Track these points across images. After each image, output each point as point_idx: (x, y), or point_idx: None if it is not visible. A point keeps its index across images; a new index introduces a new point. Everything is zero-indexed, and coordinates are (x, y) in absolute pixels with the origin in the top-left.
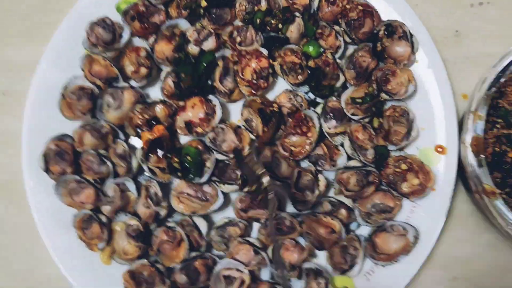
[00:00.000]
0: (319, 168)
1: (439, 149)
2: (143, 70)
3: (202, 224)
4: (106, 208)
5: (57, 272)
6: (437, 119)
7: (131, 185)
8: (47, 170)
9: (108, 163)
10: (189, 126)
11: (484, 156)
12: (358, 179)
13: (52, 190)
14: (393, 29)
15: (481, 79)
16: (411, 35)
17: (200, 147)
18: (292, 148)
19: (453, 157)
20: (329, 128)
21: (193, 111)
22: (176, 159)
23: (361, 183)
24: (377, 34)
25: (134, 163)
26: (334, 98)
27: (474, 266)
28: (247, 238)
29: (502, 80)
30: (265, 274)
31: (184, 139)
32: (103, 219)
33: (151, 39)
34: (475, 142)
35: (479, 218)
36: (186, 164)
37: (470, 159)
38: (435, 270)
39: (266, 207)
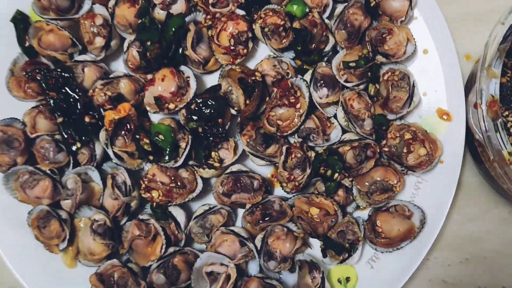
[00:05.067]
0: (310, 144)
1: (444, 116)
2: (99, 40)
3: (179, 215)
4: (66, 203)
5: (10, 281)
6: (441, 82)
7: (94, 175)
8: None
9: None
10: (159, 102)
11: (501, 119)
12: (355, 154)
13: (0, 185)
14: None
15: (494, 34)
16: None
17: (173, 125)
18: (279, 122)
19: (461, 124)
20: (320, 98)
21: (163, 84)
22: (146, 140)
23: (359, 158)
24: None
25: (98, 149)
26: (324, 64)
27: (487, 245)
28: (231, 228)
29: None
30: (253, 268)
31: (154, 119)
32: (64, 215)
33: (111, 2)
34: (491, 104)
35: (489, 192)
36: (158, 144)
37: (486, 123)
38: (444, 252)
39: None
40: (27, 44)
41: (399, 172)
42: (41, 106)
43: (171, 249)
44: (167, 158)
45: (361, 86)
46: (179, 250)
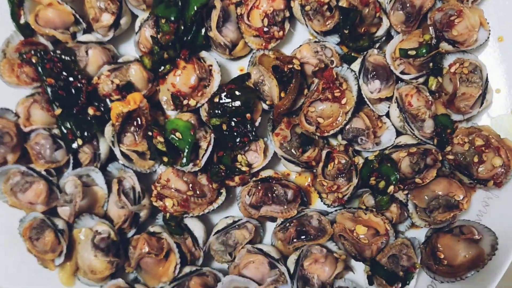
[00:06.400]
0: (357, 148)
1: None
2: (107, 18)
3: (197, 228)
4: (64, 210)
5: None
6: None
7: (98, 177)
8: None
9: None
10: (177, 101)
11: None
12: (412, 162)
13: None
14: None
15: None
16: None
17: (193, 121)
18: (320, 120)
19: None
20: (371, 92)
21: (181, 77)
22: (160, 138)
23: (417, 167)
24: None
25: (102, 147)
26: (375, 51)
27: None
28: (260, 246)
29: None
30: None
31: (171, 112)
32: (61, 224)
33: None
34: None
35: None
36: (174, 144)
37: None
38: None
39: None
40: (22, 20)
41: (466, 185)
42: (37, 95)
43: (186, 269)
44: (184, 160)
45: (420, 80)
46: (196, 270)
